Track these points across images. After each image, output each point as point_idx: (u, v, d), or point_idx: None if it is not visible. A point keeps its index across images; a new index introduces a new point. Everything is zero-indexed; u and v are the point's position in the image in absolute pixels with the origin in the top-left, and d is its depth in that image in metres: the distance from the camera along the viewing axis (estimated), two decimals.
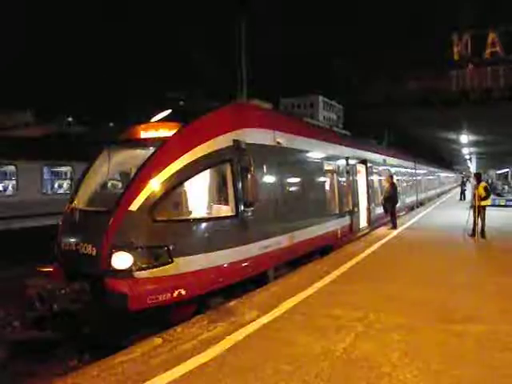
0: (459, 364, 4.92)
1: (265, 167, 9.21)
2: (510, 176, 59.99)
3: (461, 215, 17.57)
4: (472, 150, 43.19)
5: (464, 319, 6.44)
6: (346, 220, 14.26)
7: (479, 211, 14.92)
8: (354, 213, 14.88)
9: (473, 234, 14.75)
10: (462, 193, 37.77)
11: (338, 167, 14.20)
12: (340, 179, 14.19)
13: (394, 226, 17.39)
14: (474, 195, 15.56)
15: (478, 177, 16.25)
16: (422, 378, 4.58)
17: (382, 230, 17.39)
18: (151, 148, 7.81)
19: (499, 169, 68.14)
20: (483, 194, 14.94)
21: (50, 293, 6.69)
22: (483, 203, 15.05)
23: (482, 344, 5.53)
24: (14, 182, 18.46)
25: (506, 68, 19.15)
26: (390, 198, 17.45)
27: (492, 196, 16.76)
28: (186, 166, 7.43)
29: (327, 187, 13.19)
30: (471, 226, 14.97)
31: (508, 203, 30.06)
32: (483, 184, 15.40)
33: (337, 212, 13.55)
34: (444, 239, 14.80)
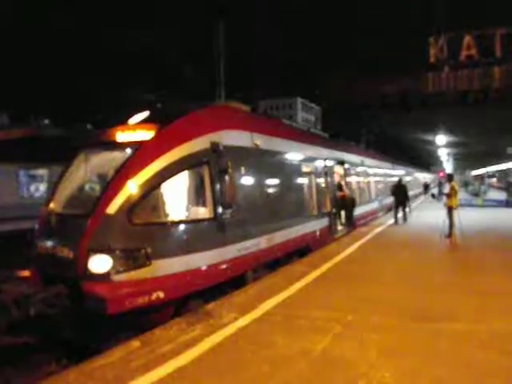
0: (436, 362, 4.99)
1: (243, 169, 9.22)
2: (486, 176, 61.20)
3: (437, 216, 17.77)
4: (449, 151, 43.92)
5: (440, 318, 6.53)
6: (325, 221, 14.34)
7: (448, 211, 15.28)
8: (332, 214, 14.96)
9: (449, 235, 14.94)
10: (440, 193, 38.29)
11: (316, 168, 14.28)
12: (318, 180, 14.27)
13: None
14: (446, 196, 15.84)
15: (449, 177, 16.91)
16: (399, 377, 4.62)
17: (362, 230, 17.52)
18: (128, 150, 7.76)
19: (476, 169, 69.38)
20: (450, 194, 15.34)
21: (27, 297, 6.61)
22: (448, 203, 15.42)
23: (458, 342, 5.61)
24: None
25: (481, 71, 19.48)
26: (401, 198, 19.25)
27: (459, 196, 17.05)
28: (163, 169, 7.40)
29: (305, 188, 13.26)
30: (447, 227, 15.17)
31: (485, 203, 30.66)
32: (452, 184, 15.71)
33: (315, 213, 13.61)
34: (420, 240, 14.99)
